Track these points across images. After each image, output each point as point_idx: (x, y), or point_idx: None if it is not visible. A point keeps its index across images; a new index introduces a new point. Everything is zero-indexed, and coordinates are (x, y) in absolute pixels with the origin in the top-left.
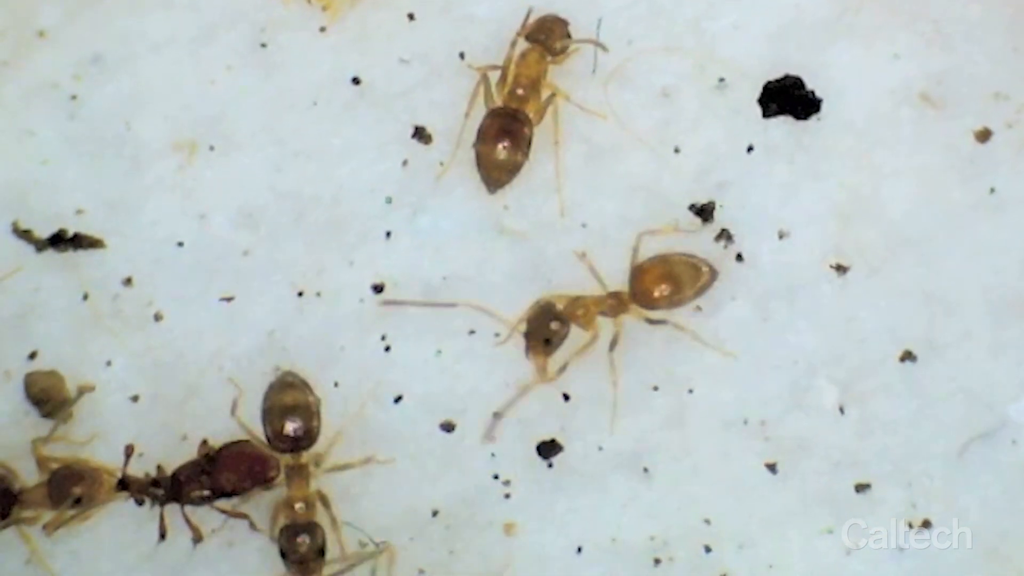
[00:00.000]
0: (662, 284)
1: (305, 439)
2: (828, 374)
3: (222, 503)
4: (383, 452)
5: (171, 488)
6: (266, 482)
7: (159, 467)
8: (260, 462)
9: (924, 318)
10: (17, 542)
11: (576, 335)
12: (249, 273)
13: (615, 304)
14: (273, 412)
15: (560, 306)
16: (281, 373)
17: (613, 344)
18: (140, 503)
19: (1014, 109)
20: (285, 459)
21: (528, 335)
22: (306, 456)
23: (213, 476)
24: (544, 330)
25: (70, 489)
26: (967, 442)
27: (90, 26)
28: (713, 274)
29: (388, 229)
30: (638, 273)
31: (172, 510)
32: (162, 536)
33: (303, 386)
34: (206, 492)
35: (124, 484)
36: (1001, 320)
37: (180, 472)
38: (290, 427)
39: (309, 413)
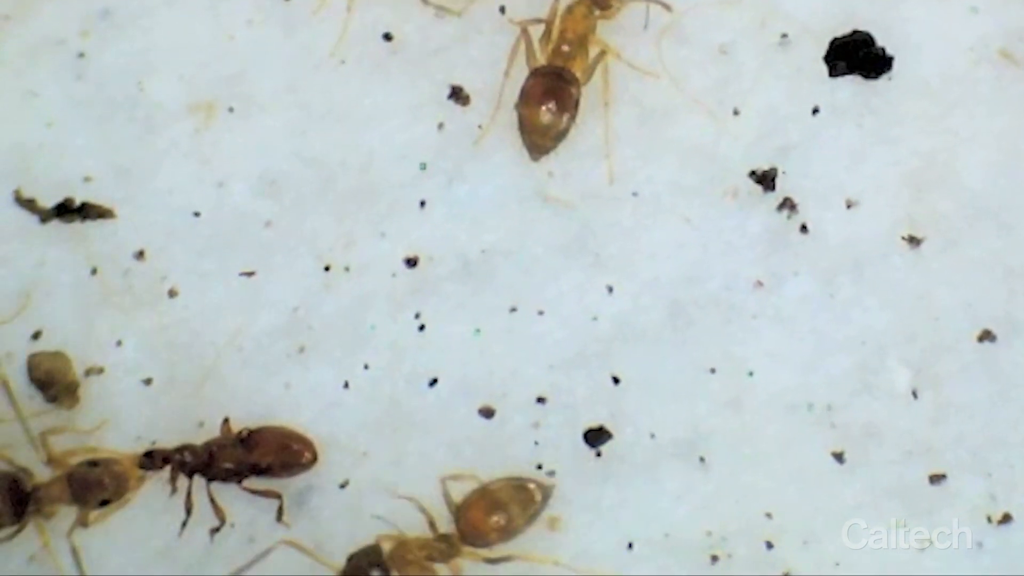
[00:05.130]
0: (492, 517)
1: None
2: (900, 355)
3: (252, 482)
4: (416, 439)
5: (200, 458)
6: (301, 465)
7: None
8: (297, 444)
9: (1004, 294)
10: (20, 538)
11: None
12: (271, 246)
13: (445, 548)
14: None
15: (386, 549)
16: None
17: None
18: (174, 468)
19: None
20: None
21: None
22: None
23: (247, 453)
24: None
25: (96, 493)
26: None
27: None
28: (545, 492)
29: (422, 198)
30: (462, 511)
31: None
32: (187, 512)
33: None
34: (237, 467)
35: (150, 454)
36: None
37: (212, 444)
38: None
39: None
